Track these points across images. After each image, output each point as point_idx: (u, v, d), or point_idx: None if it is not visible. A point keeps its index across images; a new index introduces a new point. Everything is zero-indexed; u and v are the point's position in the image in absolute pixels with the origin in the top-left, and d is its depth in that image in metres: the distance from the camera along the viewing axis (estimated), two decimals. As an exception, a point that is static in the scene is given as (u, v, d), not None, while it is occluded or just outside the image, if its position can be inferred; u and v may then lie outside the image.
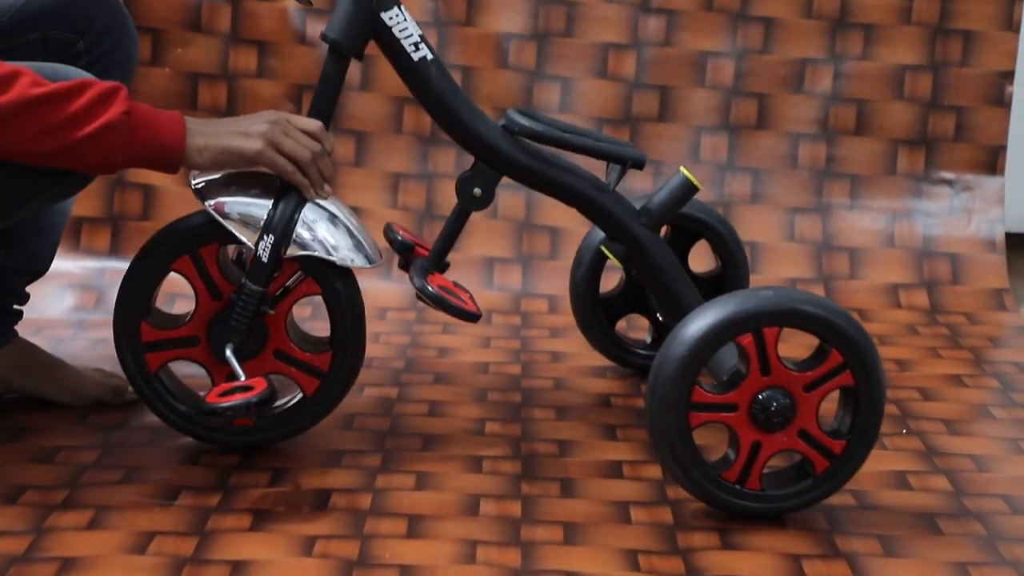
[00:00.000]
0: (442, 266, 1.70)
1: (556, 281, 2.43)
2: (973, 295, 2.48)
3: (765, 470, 1.56)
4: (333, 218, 1.61)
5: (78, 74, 1.51)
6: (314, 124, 1.59)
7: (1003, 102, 2.56)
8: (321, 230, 1.60)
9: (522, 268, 2.45)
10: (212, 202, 1.59)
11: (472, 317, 1.63)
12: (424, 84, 1.63)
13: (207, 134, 1.52)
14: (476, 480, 1.65)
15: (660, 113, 2.53)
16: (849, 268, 2.50)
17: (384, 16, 1.60)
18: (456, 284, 1.69)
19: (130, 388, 1.83)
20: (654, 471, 1.69)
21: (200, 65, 2.45)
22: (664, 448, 1.51)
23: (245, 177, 1.62)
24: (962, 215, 2.55)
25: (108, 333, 2.14)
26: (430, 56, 1.62)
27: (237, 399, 1.49)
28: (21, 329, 1.83)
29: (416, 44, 1.62)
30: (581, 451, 1.76)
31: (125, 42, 1.75)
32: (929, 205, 2.56)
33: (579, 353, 2.15)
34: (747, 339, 1.50)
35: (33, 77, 1.42)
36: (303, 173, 1.58)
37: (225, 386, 1.53)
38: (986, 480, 1.70)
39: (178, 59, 2.45)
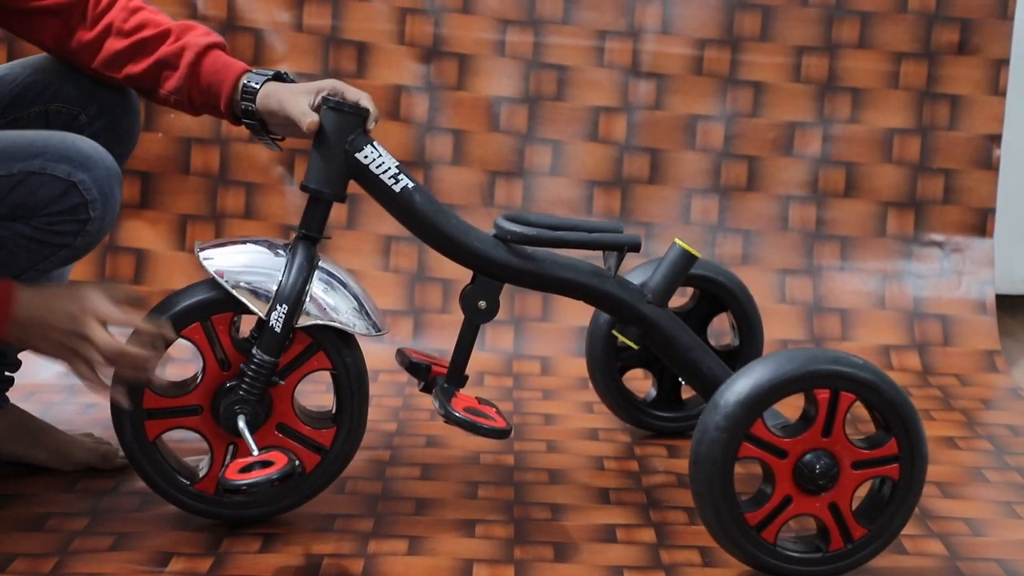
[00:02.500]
0: (461, 380, 1.69)
1: (548, 343, 2.42)
2: (964, 357, 2.48)
3: (783, 530, 1.55)
4: (341, 285, 1.61)
5: (90, 146, 1.53)
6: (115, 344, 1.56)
7: (991, 165, 2.58)
8: (328, 298, 1.59)
9: (514, 330, 2.45)
10: (219, 271, 1.58)
11: (503, 434, 1.60)
12: (410, 212, 1.62)
13: (24, 329, 1.53)
14: (469, 544, 1.64)
15: (651, 176, 2.55)
16: (840, 329, 2.50)
17: (359, 156, 1.60)
18: (480, 400, 1.67)
19: (120, 453, 1.82)
20: (648, 535, 1.68)
21: (193, 130, 2.46)
22: (702, 471, 1.50)
23: (251, 246, 1.61)
24: (952, 277, 2.56)
25: (99, 397, 2.13)
26: (411, 184, 1.62)
27: (258, 475, 1.46)
28: (11, 394, 1.82)
29: (395, 176, 1.61)
30: (574, 515, 1.75)
31: (127, 116, 1.76)
32: (919, 267, 2.57)
33: (571, 415, 2.15)
34: (824, 394, 1.51)
35: None
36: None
37: (241, 462, 1.50)
38: (981, 544, 1.70)
39: (171, 124, 2.46)
